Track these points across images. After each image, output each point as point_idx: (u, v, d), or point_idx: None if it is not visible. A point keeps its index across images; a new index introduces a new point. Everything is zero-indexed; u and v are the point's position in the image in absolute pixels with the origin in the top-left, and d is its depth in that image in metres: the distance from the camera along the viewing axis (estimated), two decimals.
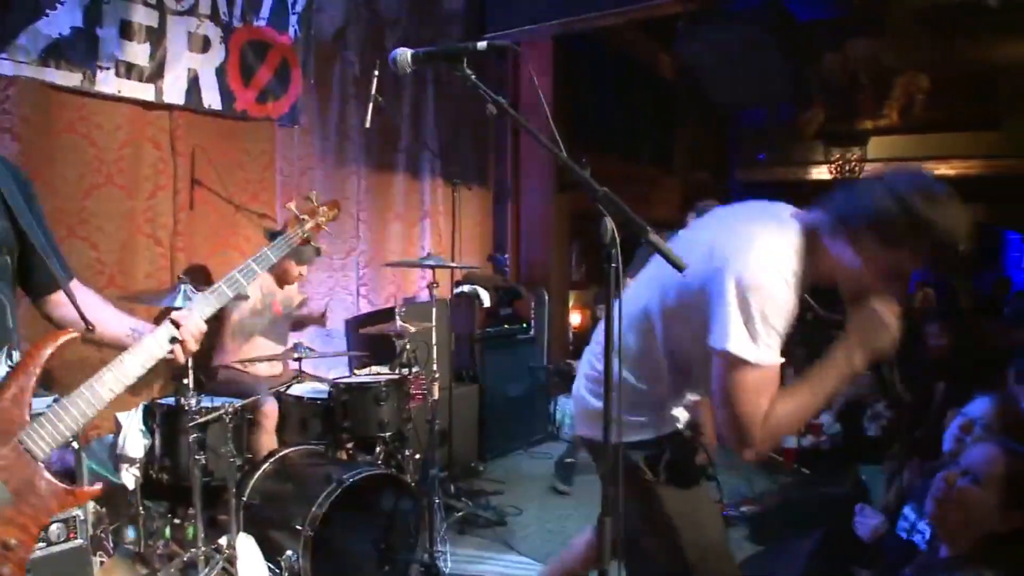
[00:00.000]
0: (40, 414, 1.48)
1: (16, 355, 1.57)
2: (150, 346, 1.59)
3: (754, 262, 1.64)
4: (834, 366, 1.71)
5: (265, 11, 4.15)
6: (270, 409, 3.38)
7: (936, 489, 1.89)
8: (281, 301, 3.88)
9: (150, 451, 3.16)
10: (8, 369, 1.53)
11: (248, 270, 1.74)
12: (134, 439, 3.15)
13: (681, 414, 1.99)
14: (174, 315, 1.63)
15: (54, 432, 1.48)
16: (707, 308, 1.69)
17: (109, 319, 1.71)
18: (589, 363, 2.08)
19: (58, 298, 1.70)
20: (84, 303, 1.66)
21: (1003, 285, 10.14)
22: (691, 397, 2.00)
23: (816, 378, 1.71)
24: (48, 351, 1.52)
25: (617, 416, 1.42)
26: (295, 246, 1.89)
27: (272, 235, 3.84)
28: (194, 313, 1.65)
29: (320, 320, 3.96)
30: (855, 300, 1.76)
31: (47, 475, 1.49)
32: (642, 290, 1.93)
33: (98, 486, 1.64)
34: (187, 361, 1.74)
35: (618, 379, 1.41)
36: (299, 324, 4.09)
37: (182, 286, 2.95)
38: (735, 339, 1.62)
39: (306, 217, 1.89)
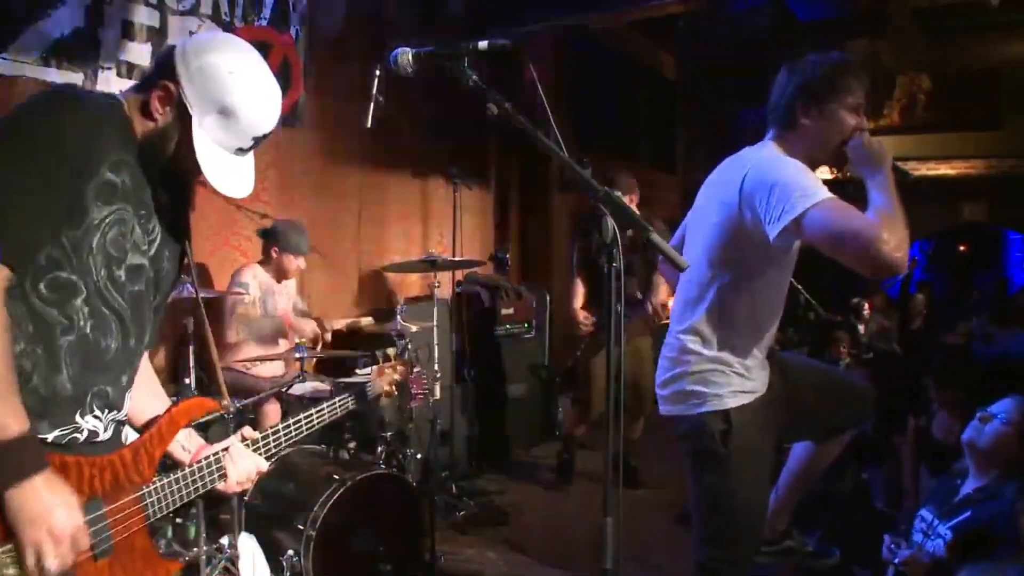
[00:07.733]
0: (168, 474, 1.46)
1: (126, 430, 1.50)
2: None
3: (758, 165, 1.90)
4: (883, 184, 1.83)
5: (266, 11, 4.16)
6: (272, 409, 3.38)
7: (972, 427, 2.47)
8: (281, 297, 3.86)
9: None
10: (115, 427, 1.45)
11: (319, 415, 1.74)
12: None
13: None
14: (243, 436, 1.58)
15: (172, 498, 1.45)
16: (754, 218, 1.85)
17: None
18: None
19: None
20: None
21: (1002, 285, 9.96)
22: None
23: (881, 194, 1.82)
24: (192, 419, 1.50)
25: (615, 412, 1.43)
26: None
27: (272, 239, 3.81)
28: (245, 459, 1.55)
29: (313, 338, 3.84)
30: (839, 156, 1.97)
31: (150, 538, 1.44)
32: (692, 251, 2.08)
33: (179, 562, 1.59)
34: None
35: (621, 374, 1.43)
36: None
37: (183, 285, 2.94)
38: (791, 204, 1.75)
39: (388, 371, 1.93)
